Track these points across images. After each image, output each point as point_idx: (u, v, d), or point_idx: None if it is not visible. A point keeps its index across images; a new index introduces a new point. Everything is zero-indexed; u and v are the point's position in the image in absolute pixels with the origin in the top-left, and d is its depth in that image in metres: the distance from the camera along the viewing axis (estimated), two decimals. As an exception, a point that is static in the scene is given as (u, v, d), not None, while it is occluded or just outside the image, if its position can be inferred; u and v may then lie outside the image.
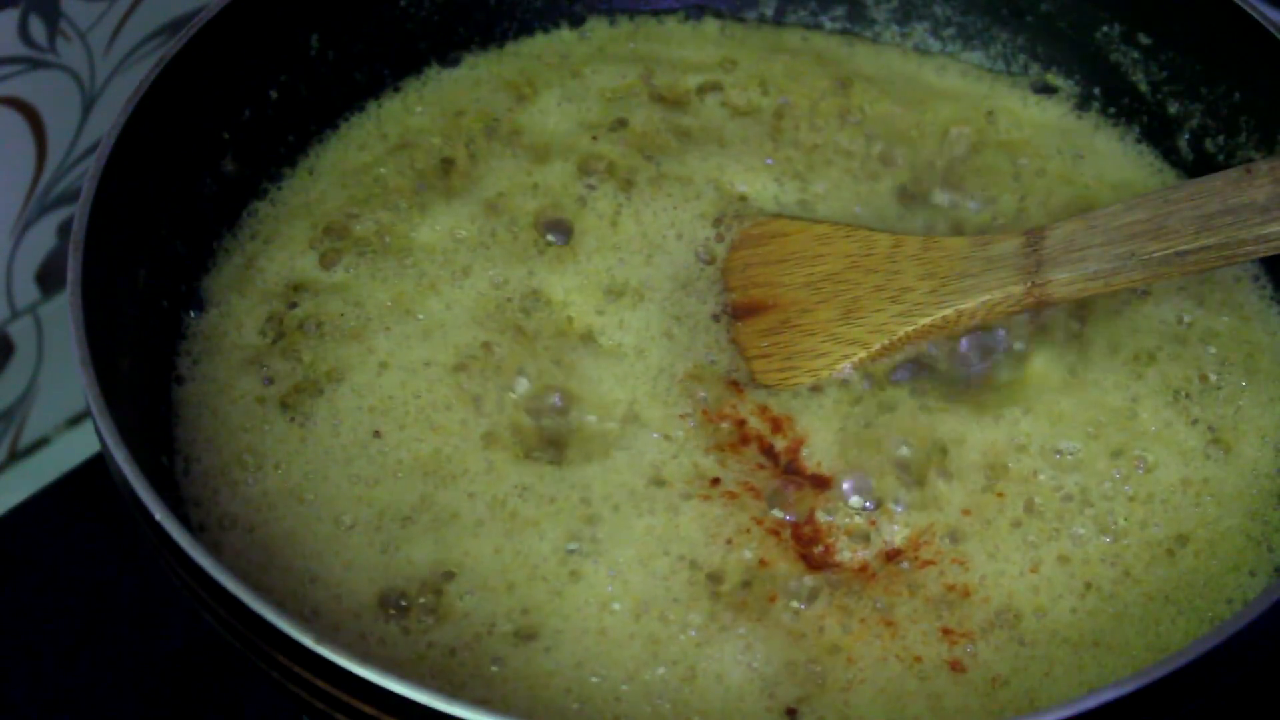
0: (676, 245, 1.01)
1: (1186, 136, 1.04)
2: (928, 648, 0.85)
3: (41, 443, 1.25)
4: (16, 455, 1.24)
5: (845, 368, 0.94)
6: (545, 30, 1.13)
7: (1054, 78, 1.10)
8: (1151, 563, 0.88)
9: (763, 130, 1.06)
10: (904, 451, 0.92)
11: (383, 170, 1.03)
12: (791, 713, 0.83)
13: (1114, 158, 1.07)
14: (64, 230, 1.19)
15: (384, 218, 1.01)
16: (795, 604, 0.86)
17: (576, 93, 1.08)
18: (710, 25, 1.14)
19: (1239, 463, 0.92)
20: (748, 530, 0.89)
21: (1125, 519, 0.89)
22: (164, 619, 1.06)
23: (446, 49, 1.10)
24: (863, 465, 0.91)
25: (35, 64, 1.11)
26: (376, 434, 0.92)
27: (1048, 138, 1.07)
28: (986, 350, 0.96)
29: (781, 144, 1.06)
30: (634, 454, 0.91)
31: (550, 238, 1.01)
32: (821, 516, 0.90)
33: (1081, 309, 0.97)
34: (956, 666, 0.84)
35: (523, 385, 0.94)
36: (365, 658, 0.73)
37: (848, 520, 0.89)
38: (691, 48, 1.12)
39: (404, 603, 0.86)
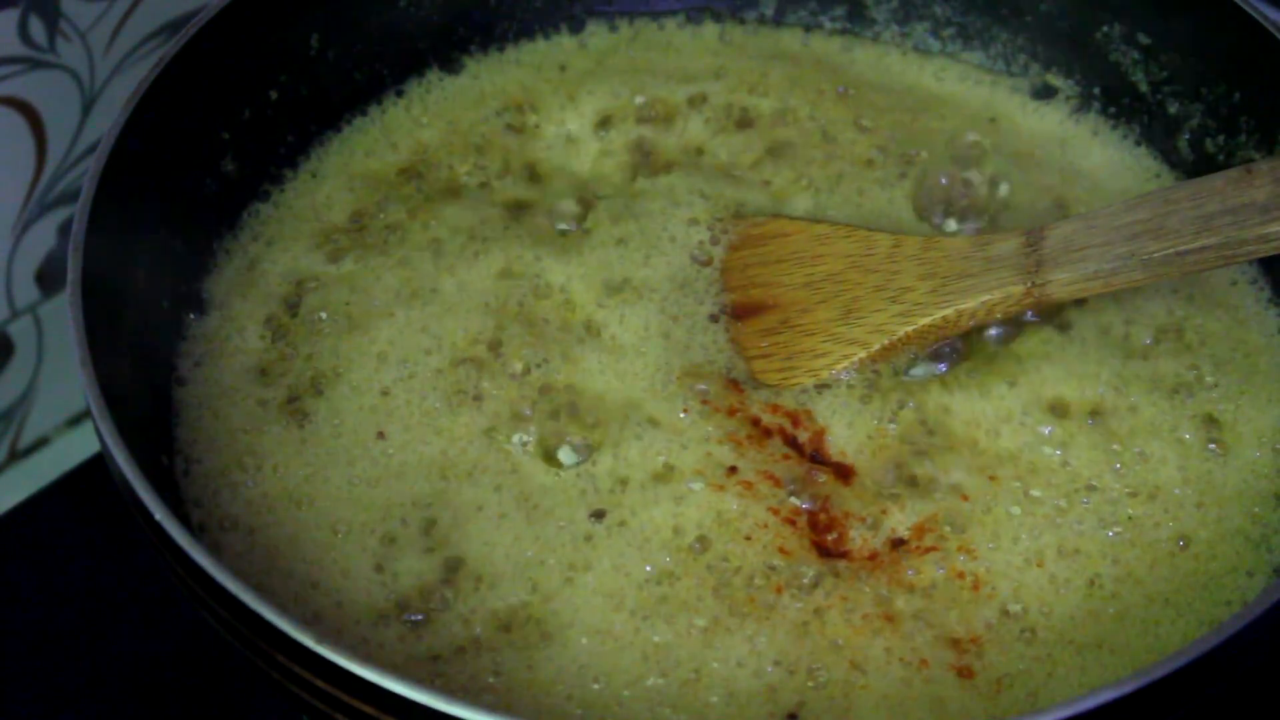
0: (671, 247, 1.01)
1: (1186, 137, 1.04)
2: (932, 650, 0.85)
3: (41, 443, 1.25)
4: (16, 455, 1.24)
5: (845, 368, 0.94)
6: (545, 35, 1.13)
7: (1054, 78, 1.10)
8: (1155, 564, 0.88)
9: (759, 140, 1.06)
10: (913, 440, 0.92)
11: (392, 180, 1.04)
12: (792, 717, 0.83)
13: (1114, 160, 1.07)
14: (64, 230, 1.19)
15: (392, 219, 1.01)
16: (801, 596, 0.86)
17: (573, 118, 1.07)
18: (709, 29, 1.14)
19: (1238, 463, 0.92)
20: (764, 524, 0.88)
21: (1129, 517, 0.89)
22: (164, 619, 1.06)
23: (446, 49, 1.10)
24: (882, 454, 0.91)
25: (35, 64, 1.11)
26: (380, 435, 0.92)
27: (1049, 142, 1.07)
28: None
29: (779, 154, 1.06)
30: (642, 447, 0.91)
31: (561, 226, 1.01)
32: (840, 504, 0.90)
33: (1080, 304, 0.97)
34: (963, 672, 0.84)
35: (525, 379, 0.94)
36: (365, 660, 0.73)
37: (866, 508, 0.89)
38: (689, 55, 1.12)
39: (404, 609, 0.86)
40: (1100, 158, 1.07)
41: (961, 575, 0.87)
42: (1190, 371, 0.95)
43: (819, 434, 0.92)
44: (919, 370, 0.95)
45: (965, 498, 0.90)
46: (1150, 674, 0.72)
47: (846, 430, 0.92)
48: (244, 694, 1.03)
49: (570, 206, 1.03)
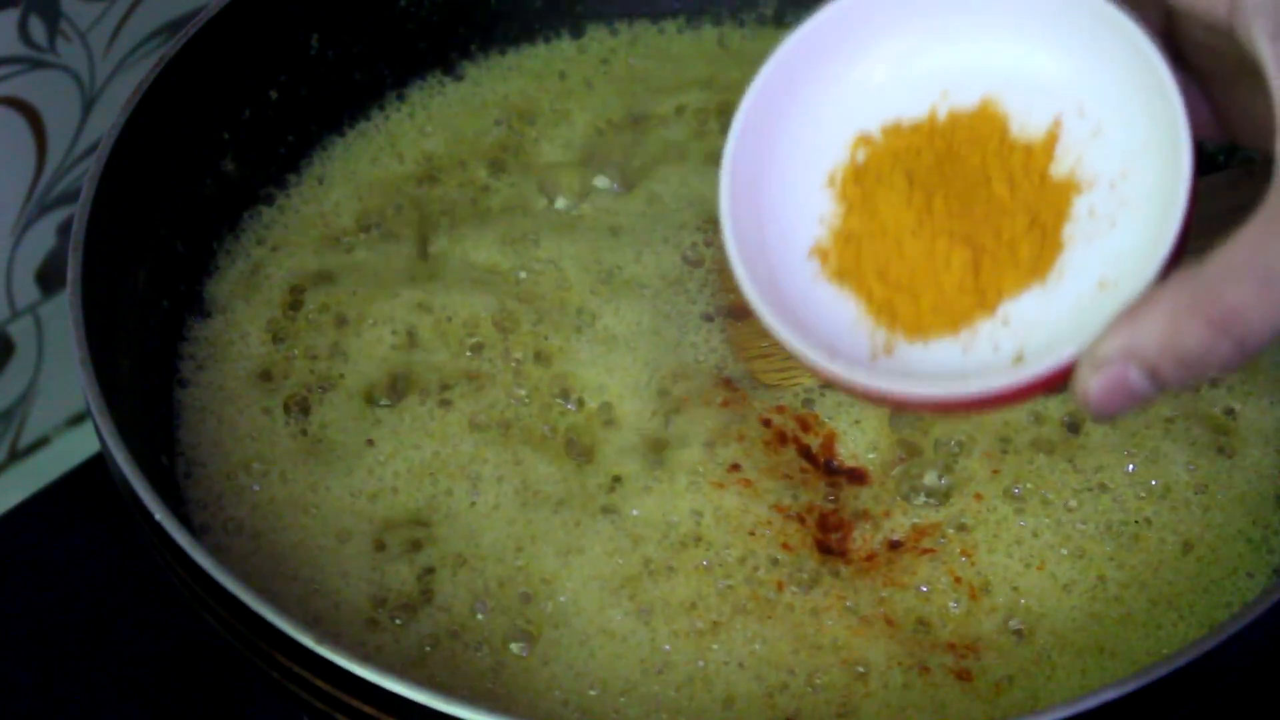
0: (664, 248, 1.00)
1: (1186, 137, 1.04)
2: (932, 655, 0.85)
3: (41, 443, 1.25)
4: (16, 455, 1.24)
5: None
6: (546, 39, 1.13)
7: (1054, 79, 1.10)
8: (1160, 567, 0.88)
9: None
10: (917, 440, 0.92)
11: (396, 188, 1.04)
12: (791, 721, 0.83)
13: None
14: (64, 230, 1.19)
15: (395, 229, 1.01)
16: (801, 594, 0.86)
17: (567, 132, 1.07)
18: (709, 32, 1.14)
19: (1244, 464, 0.92)
20: (768, 521, 0.88)
21: (1137, 521, 0.89)
22: (164, 619, 1.06)
23: (447, 50, 1.10)
24: (887, 454, 0.91)
25: (35, 64, 1.11)
26: (369, 442, 0.92)
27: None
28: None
29: None
30: (636, 446, 0.92)
31: (560, 204, 1.03)
32: (850, 506, 0.89)
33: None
34: (963, 675, 0.84)
35: (523, 381, 0.94)
36: (365, 660, 0.73)
37: (875, 509, 0.89)
38: (686, 61, 1.11)
39: (401, 610, 0.86)
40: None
41: (959, 580, 0.87)
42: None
43: (830, 439, 0.92)
44: None
45: (978, 496, 0.90)
46: (1151, 674, 0.72)
47: (853, 430, 0.92)
48: (244, 694, 1.03)
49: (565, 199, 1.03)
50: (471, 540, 0.88)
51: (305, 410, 0.94)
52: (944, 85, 0.76)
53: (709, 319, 0.97)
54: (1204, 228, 0.88)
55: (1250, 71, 0.67)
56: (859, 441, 0.92)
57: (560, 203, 1.03)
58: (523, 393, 0.94)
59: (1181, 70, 0.74)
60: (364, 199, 1.03)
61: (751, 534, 0.88)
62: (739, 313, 0.98)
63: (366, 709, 0.74)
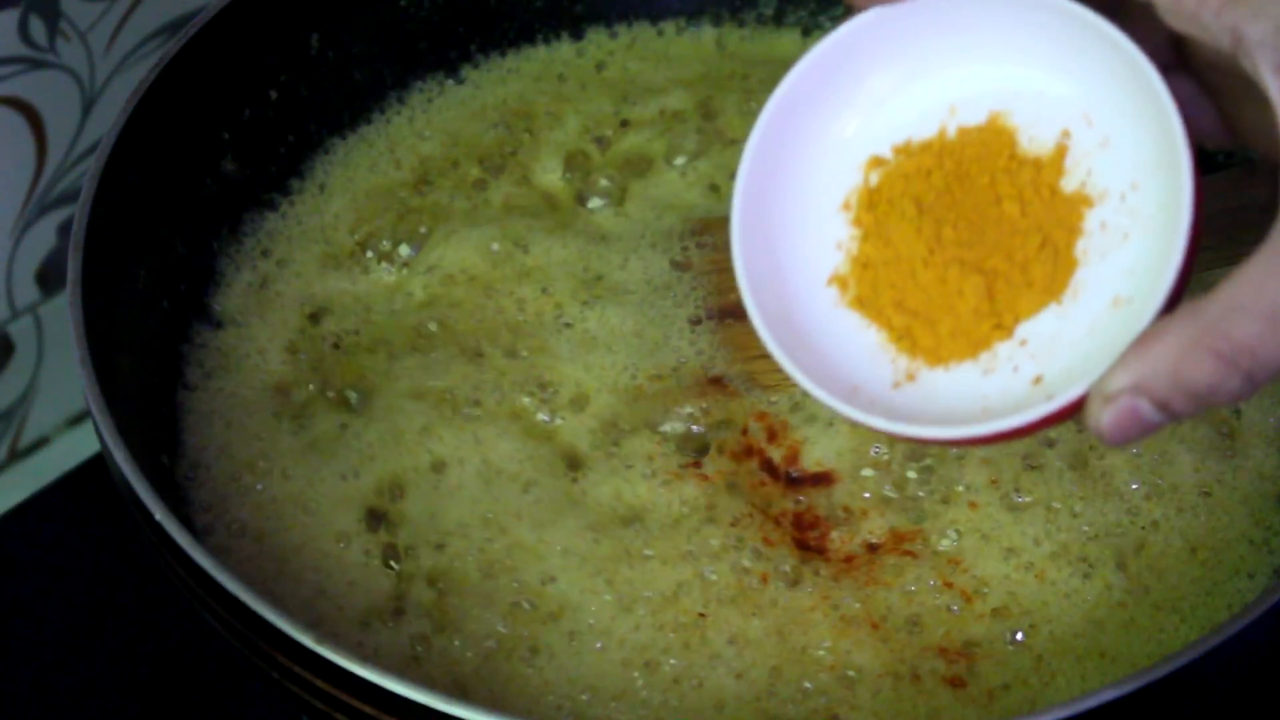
0: (650, 253, 1.00)
1: (1186, 138, 1.04)
2: (922, 660, 0.84)
3: (41, 443, 1.25)
4: (16, 455, 1.24)
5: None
6: (546, 41, 1.13)
7: (1054, 79, 1.10)
8: (1164, 570, 0.88)
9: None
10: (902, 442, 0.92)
11: (398, 196, 1.04)
12: (785, 722, 0.83)
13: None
14: (64, 230, 1.19)
15: (401, 236, 1.02)
16: (786, 591, 0.86)
17: (561, 136, 1.07)
18: (708, 34, 1.14)
19: (1246, 466, 0.92)
20: (749, 515, 0.88)
21: (1143, 526, 0.89)
22: (164, 619, 1.06)
23: (447, 50, 1.10)
24: (865, 452, 0.91)
25: (35, 64, 1.11)
26: (368, 446, 0.92)
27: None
28: None
29: None
30: (623, 450, 0.92)
31: (552, 207, 1.03)
32: (824, 506, 0.89)
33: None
34: (955, 682, 0.84)
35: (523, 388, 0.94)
36: (364, 660, 0.73)
37: (851, 509, 0.89)
38: (684, 64, 1.11)
39: (400, 609, 0.86)
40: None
41: (950, 585, 0.87)
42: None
43: (794, 449, 0.92)
44: None
45: (972, 505, 0.89)
46: (1151, 674, 0.72)
47: (828, 432, 0.92)
48: (244, 694, 1.03)
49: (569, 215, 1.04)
50: (474, 542, 0.88)
51: (310, 413, 0.94)
52: (952, 102, 0.76)
53: (696, 322, 0.97)
54: (1205, 227, 0.88)
55: (1259, 93, 0.67)
56: (846, 440, 0.91)
57: (553, 205, 1.03)
58: (507, 390, 0.94)
59: (1190, 80, 0.74)
60: (361, 209, 1.03)
61: (733, 524, 0.88)
62: (739, 313, 0.98)
63: (366, 709, 0.74)
